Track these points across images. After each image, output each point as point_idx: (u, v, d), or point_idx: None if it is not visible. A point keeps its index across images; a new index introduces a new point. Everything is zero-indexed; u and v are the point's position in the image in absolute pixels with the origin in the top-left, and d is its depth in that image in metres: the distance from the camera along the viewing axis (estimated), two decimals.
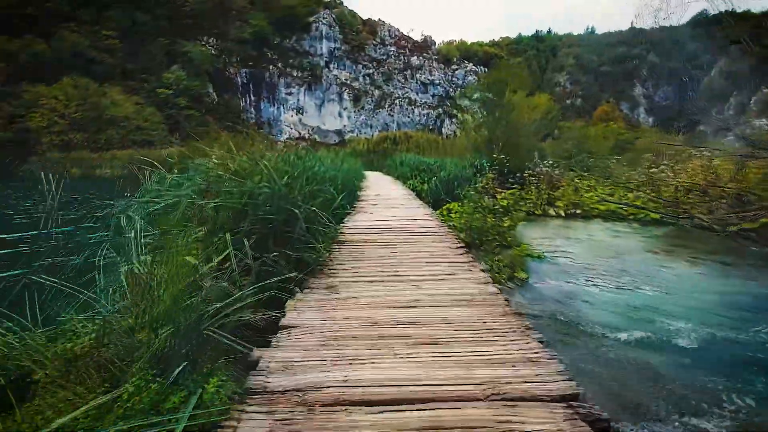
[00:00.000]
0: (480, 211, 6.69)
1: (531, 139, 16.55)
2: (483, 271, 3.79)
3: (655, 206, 8.27)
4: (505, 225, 6.61)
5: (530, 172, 9.69)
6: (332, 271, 3.77)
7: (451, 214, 9.07)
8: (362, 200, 9.81)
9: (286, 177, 3.87)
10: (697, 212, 6.43)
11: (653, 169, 8.34)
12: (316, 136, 60.10)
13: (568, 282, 4.84)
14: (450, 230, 6.11)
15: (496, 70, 22.39)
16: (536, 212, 9.15)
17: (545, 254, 5.74)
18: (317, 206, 4.71)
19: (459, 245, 4.84)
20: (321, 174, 7.63)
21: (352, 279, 3.57)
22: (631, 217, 8.98)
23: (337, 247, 4.62)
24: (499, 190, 10.39)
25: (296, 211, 3.34)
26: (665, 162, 9.18)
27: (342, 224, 6.30)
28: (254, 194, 3.32)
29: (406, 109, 64.47)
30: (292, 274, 3.22)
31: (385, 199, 10.08)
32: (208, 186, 3.36)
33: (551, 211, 9.63)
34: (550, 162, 10.05)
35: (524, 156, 12.64)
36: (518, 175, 9.42)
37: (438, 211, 9.53)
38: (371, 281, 3.51)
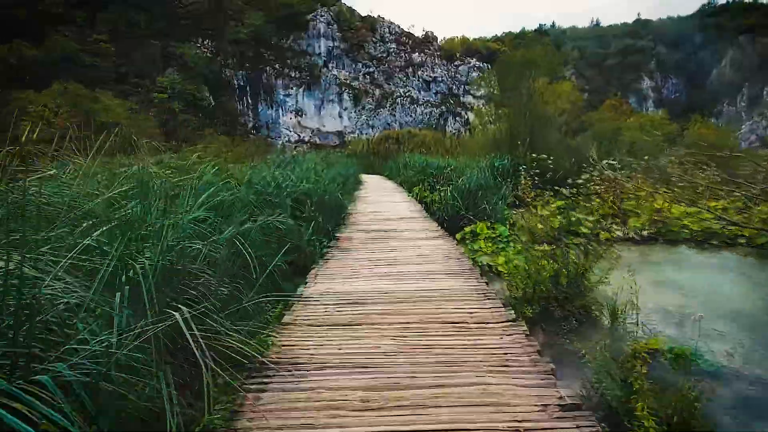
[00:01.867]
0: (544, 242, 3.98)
1: (558, 134, 13.83)
2: None
3: None
4: (585, 266, 3.84)
5: (588, 176, 6.86)
6: None
7: (478, 242, 6.35)
8: (351, 224, 7.06)
9: None
10: None
11: None
12: (316, 139, 57.73)
13: None
14: (511, 313, 3.37)
15: (518, 50, 19.66)
16: (601, 234, 6.38)
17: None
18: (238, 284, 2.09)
19: (557, 396, 2.10)
20: (284, 193, 4.92)
21: None
22: (742, 242, 6.14)
23: (258, 392, 1.91)
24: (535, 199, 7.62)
25: None
26: None
27: (298, 295, 3.59)
28: None
29: (408, 107, 61.73)
30: None
31: (385, 221, 7.32)
32: None
33: (618, 232, 6.84)
34: (613, 161, 7.18)
35: (559, 155, 9.91)
36: (569, 181, 6.69)
37: (459, 235, 6.82)
38: None
